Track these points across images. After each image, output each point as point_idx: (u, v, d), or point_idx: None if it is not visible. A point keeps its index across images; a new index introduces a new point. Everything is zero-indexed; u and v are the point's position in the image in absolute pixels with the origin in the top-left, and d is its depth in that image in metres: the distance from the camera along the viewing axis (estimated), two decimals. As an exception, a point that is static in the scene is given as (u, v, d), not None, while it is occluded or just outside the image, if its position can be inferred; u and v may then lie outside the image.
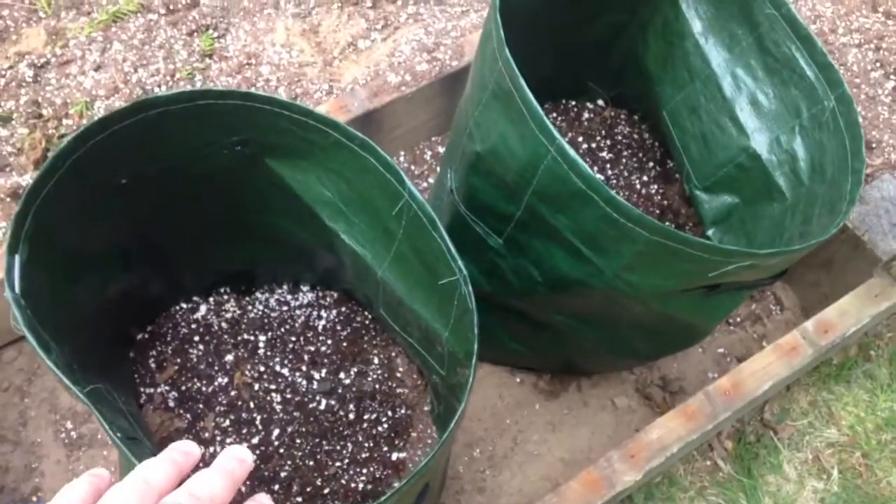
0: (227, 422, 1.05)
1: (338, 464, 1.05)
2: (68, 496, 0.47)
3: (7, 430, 1.27)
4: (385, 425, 1.09)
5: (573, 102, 1.45)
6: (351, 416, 1.08)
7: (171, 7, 1.57)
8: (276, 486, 1.02)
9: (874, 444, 1.45)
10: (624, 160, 1.41)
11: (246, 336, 1.12)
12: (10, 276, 0.73)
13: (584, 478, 1.15)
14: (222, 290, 1.15)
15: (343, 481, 1.04)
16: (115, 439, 0.70)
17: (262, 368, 1.10)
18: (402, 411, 1.10)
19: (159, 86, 1.48)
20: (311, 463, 1.05)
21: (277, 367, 1.11)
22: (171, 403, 1.06)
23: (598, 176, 1.19)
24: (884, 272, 1.36)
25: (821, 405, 1.49)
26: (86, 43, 1.52)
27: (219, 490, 0.48)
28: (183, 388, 1.07)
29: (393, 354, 1.14)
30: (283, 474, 1.03)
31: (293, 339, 1.13)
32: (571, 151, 0.84)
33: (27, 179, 1.37)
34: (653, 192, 1.38)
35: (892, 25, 1.73)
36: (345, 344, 1.13)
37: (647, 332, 1.14)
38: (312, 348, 1.13)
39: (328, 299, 1.17)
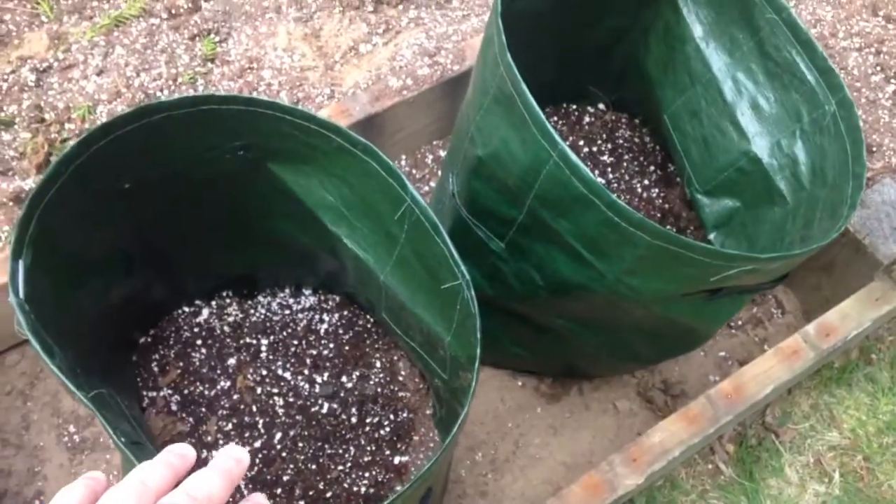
0: (230, 425, 1.06)
1: (340, 467, 1.06)
2: (65, 499, 0.47)
3: (10, 433, 1.27)
4: (387, 429, 1.09)
5: (574, 106, 1.45)
6: (353, 419, 1.08)
7: (173, 11, 1.58)
8: (279, 490, 1.02)
9: (875, 448, 1.45)
10: (625, 164, 1.41)
11: (248, 340, 1.13)
12: (14, 281, 0.73)
13: (586, 481, 1.15)
14: (224, 294, 1.16)
15: (345, 485, 1.04)
16: (119, 444, 0.70)
17: (264, 372, 1.10)
18: (405, 415, 1.10)
19: (161, 90, 1.49)
20: (314, 467, 1.05)
21: (280, 371, 1.11)
22: (174, 407, 1.06)
23: (599, 180, 1.19)
24: (885, 276, 1.36)
25: (822, 408, 1.49)
26: (88, 47, 1.52)
27: (216, 489, 0.48)
28: (185, 391, 1.07)
29: (395, 358, 1.14)
30: (285, 478, 1.03)
31: (295, 342, 1.13)
32: (573, 156, 0.84)
33: (29, 184, 1.37)
34: (654, 195, 1.38)
35: (892, 29, 1.73)
36: (347, 348, 1.14)
37: (648, 335, 1.14)
38: (315, 352, 1.13)
39: (330, 303, 1.17)
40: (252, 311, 1.15)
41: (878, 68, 1.67)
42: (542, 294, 1.05)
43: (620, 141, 1.43)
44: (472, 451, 1.34)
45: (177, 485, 0.48)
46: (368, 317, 1.16)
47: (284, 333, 1.14)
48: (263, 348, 1.12)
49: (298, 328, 1.15)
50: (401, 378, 1.13)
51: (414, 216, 0.86)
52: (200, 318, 1.13)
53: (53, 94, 1.47)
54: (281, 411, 1.08)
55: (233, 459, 0.52)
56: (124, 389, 1.00)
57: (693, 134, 1.27)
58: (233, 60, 1.54)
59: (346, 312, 1.16)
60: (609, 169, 1.40)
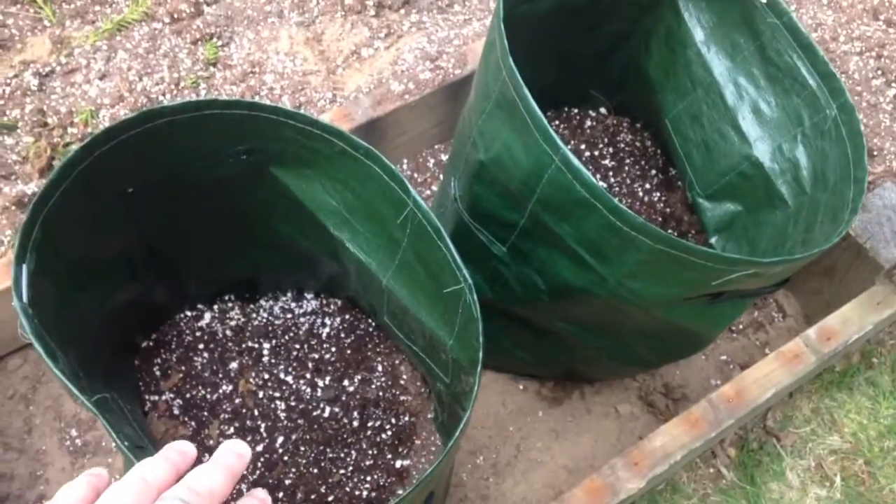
0: (232, 429, 1.06)
1: (342, 471, 1.06)
2: (67, 496, 0.47)
3: (12, 437, 1.27)
4: (389, 433, 1.09)
5: (576, 110, 1.46)
6: (355, 423, 1.09)
7: (176, 16, 1.58)
8: (280, 494, 1.02)
9: (877, 452, 1.45)
10: (626, 168, 1.41)
11: (250, 344, 1.13)
12: (17, 286, 0.73)
13: (588, 485, 1.15)
14: (227, 298, 1.16)
15: (347, 489, 1.05)
16: (123, 447, 0.71)
17: (266, 376, 1.11)
18: (406, 419, 1.11)
19: (164, 94, 1.49)
20: (316, 470, 1.05)
21: (282, 375, 1.11)
22: (176, 411, 1.06)
23: (601, 184, 1.19)
24: (886, 280, 1.37)
25: (823, 412, 1.49)
26: (91, 52, 1.53)
27: (217, 484, 0.48)
28: (187, 395, 1.08)
29: (397, 362, 1.14)
30: (287, 482, 1.03)
31: (297, 346, 1.14)
32: (575, 161, 0.85)
33: (32, 188, 1.37)
34: (655, 199, 1.38)
35: (893, 33, 1.74)
36: (349, 351, 1.14)
37: (650, 339, 1.14)
38: (316, 356, 1.13)
39: (332, 307, 1.17)
40: (254, 315, 1.16)
41: (879, 72, 1.67)
42: (543, 298, 1.05)
43: (622, 145, 1.43)
44: (473, 455, 1.35)
45: (178, 481, 0.49)
46: (370, 321, 1.16)
47: (286, 337, 1.14)
48: (265, 352, 1.12)
49: (300, 332, 1.15)
50: (402, 382, 1.13)
51: (416, 220, 0.86)
52: (202, 322, 1.14)
53: (56, 98, 1.47)
54: (283, 415, 1.08)
55: (234, 454, 0.52)
56: (126, 393, 1.00)
57: (694, 138, 1.27)
58: (235, 65, 1.55)
59: (347, 316, 1.17)
60: (610, 173, 1.40)
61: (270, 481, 1.03)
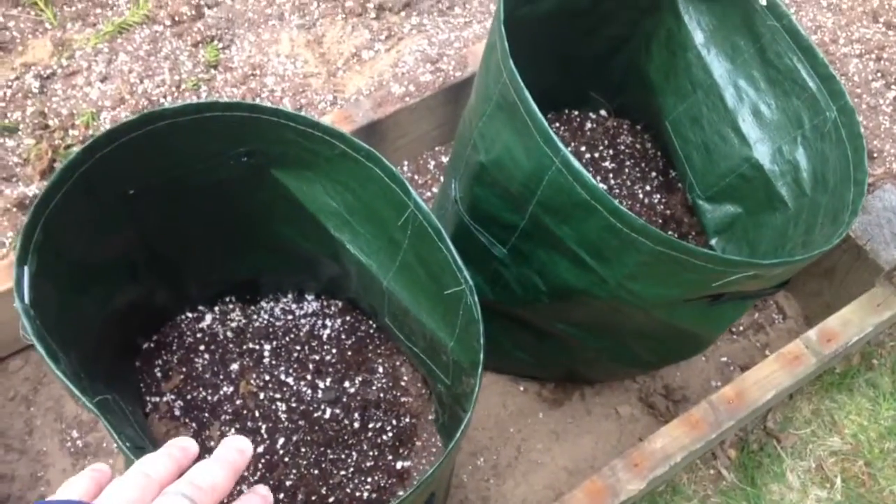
0: (233, 431, 1.06)
1: (342, 472, 1.06)
2: (70, 490, 0.47)
3: (13, 438, 1.27)
4: (389, 434, 1.09)
5: (576, 112, 1.46)
6: (355, 424, 1.09)
7: (177, 19, 1.58)
8: (281, 495, 1.03)
9: (877, 453, 1.45)
10: (626, 170, 1.41)
11: (251, 345, 1.13)
12: (19, 287, 0.73)
13: (588, 487, 1.15)
14: (227, 300, 1.16)
15: (348, 490, 1.05)
16: (124, 448, 0.71)
17: (267, 377, 1.11)
18: (407, 420, 1.11)
19: (165, 97, 1.49)
20: (316, 472, 1.05)
21: (282, 376, 1.11)
22: (177, 412, 1.06)
23: (601, 186, 1.20)
24: (886, 281, 1.37)
25: (824, 414, 1.49)
26: (92, 54, 1.53)
27: (220, 480, 0.48)
28: (188, 397, 1.08)
29: (397, 363, 1.14)
30: (287, 483, 1.04)
31: (298, 348, 1.14)
32: (576, 163, 0.85)
33: (33, 190, 1.37)
34: (655, 201, 1.39)
35: (892, 36, 1.74)
36: (349, 353, 1.14)
37: (650, 341, 1.14)
38: (317, 357, 1.13)
39: (333, 308, 1.17)
40: (255, 316, 1.16)
41: (879, 74, 1.67)
42: (544, 299, 1.05)
43: (622, 147, 1.44)
44: (474, 457, 1.35)
45: (180, 476, 0.49)
46: (371, 322, 1.17)
47: (287, 339, 1.14)
48: (266, 354, 1.13)
49: (301, 333, 1.15)
50: (403, 383, 1.13)
51: (417, 222, 0.87)
52: (203, 324, 1.14)
53: (57, 100, 1.47)
54: (283, 416, 1.08)
55: (236, 450, 0.52)
56: (127, 395, 1.00)
57: (694, 140, 1.27)
58: (236, 67, 1.55)
59: (348, 318, 1.17)
60: (611, 175, 1.41)
61: (271, 482, 1.03)
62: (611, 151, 1.43)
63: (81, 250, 0.86)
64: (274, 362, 1.12)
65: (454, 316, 0.87)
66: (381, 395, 1.11)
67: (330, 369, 1.12)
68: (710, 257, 0.86)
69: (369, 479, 1.06)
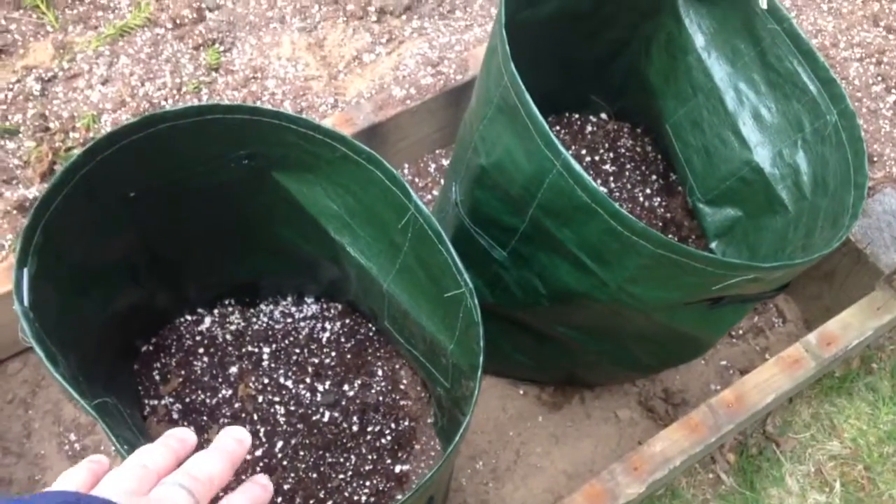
0: (232, 434, 1.05)
1: (341, 476, 1.06)
2: (67, 481, 0.47)
3: (11, 441, 1.27)
4: (388, 437, 1.09)
5: (576, 115, 1.46)
6: (354, 428, 1.09)
7: (178, 22, 1.58)
8: (280, 499, 1.02)
9: (876, 457, 1.45)
10: (627, 173, 1.41)
11: (250, 348, 1.13)
12: (18, 289, 0.73)
13: (587, 490, 1.15)
14: (227, 303, 1.16)
15: (346, 494, 1.05)
16: (122, 451, 0.71)
17: (266, 380, 1.11)
18: (406, 423, 1.10)
19: (166, 99, 1.49)
20: (315, 475, 1.05)
21: (281, 380, 1.11)
22: (175, 416, 1.06)
23: (602, 189, 1.20)
24: (886, 285, 1.37)
25: (823, 418, 1.49)
26: (93, 57, 1.53)
27: (217, 470, 0.48)
28: (187, 400, 1.08)
29: (397, 366, 1.14)
30: (286, 486, 1.03)
31: (297, 351, 1.14)
32: (577, 166, 0.85)
33: (33, 192, 1.37)
34: (656, 204, 1.39)
35: (893, 40, 1.74)
36: (349, 356, 1.14)
37: (650, 344, 1.14)
38: (316, 360, 1.13)
39: (332, 311, 1.17)
40: (254, 319, 1.16)
41: (879, 78, 1.67)
42: (544, 302, 1.05)
43: (622, 150, 1.44)
44: (473, 460, 1.34)
45: (177, 467, 0.48)
46: (370, 325, 1.17)
47: (286, 342, 1.14)
48: (265, 357, 1.12)
49: (300, 336, 1.15)
50: (402, 387, 1.13)
51: (417, 225, 0.87)
52: (202, 327, 1.14)
53: (58, 103, 1.48)
54: (282, 420, 1.08)
55: (234, 440, 0.51)
56: (126, 397, 1.00)
57: (695, 143, 1.27)
58: (237, 70, 1.55)
59: (348, 321, 1.17)
60: (611, 178, 1.41)
61: (270, 486, 1.03)
62: (611, 155, 1.43)
63: (81, 253, 0.86)
64: (273, 365, 1.12)
65: (454, 319, 0.87)
66: (381, 398, 1.11)
67: (329, 372, 1.12)
68: (710, 260, 0.86)
69: (368, 483, 1.06)
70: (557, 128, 1.45)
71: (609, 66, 1.35)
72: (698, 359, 1.45)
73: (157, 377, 1.09)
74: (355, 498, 1.05)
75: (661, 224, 1.37)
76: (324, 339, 1.15)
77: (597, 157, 1.42)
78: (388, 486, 1.06)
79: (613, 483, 1.16)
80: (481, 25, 1.66)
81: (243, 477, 1.02)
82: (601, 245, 0.90)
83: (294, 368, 1.12)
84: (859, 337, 1.32)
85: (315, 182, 0.95)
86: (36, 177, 1.40)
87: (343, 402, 1.10)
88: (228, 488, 0.51)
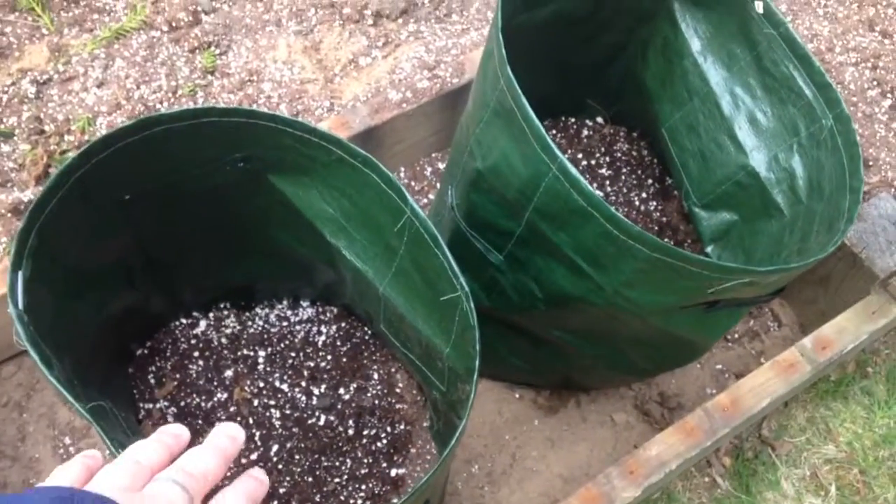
0: (227, 437, 1.05)
1: (337, 480, 1.05)
2: (61, 476, 0.47)
3: (5, 445, 1.27)
4: (384, 441, 1.09)
5: (573, 119, 1.46)
6: (350, 431, 1.08)
7: (174, 24, 1.58)
8: (275, 503, 1.02)
9: (872, 461, 1.45)
10: (623, 177, 1.41)
11: (245, 351, 1.13)
12: (13, 292, 0.73)
13: (583, 494, 1.15)
14: (222, 306, 1.16)
15: (342, 497, 1.04)
16: (118, 456, 0.70)
17: (261, 384, 1.10)
18: (402, 427, 1.10)
19: (161, 102, 1.49)
20: (310, 479, 1.05)
21: (277, 383, 1.11)
22: (170, 419, 1.06)
23: (598, 193, 1.20)
24: (881, 289, 1.37)
25: (818, 422, 1.49)
26: (88, 59, 1.53)
27: (211, 467, 0.48)
28: (182, 403, 1.07)
29: (393, 370, 1.14)
30: (281, 490, 1.03)
31: (293, 354, 1.13)
32: (573, 170, 0.85)
33: (28, 195, 1.37)
34: (652, 208, 1.39)
35: (888, 44, 1.75)
36: (344, 359, 1.14)
37: (645, 348, 1.14)
38: (312, 364, 1.13)
39: (328, 315, 1.17)
40: (250, 322, 1.15)
41: (875, 83, 1.68)
42: (540, 306, 1.05)
43: (619, 154, 1.44)
44: (468, 464, 1.34)
45: (171, 463, 0.48)
46: (366, 329, 1.16)
47: (282, 345, 1.14)
48: (261, 360, 1.12)
49: (296, 340, 1.15)
50: (398, 390, 1.13)
51: (413, 228, 0.86)
52: (198, 330, 1.13)
53: (53, 106, 1.47)
54: (278, 423, 1.08)
55: (227, 436, 0.51)
56: (121, 401, 1.00)
57: (691, 147, 1.27)
58: (233, 73, 1.55)
59: (343, 324, 1.16)
60: (607, 182, 1.41)
61: (266, 490, 1.02)
62: (607, 159, 1.43)
63: (76, 255, 0.86)
64: (268, 369, 1.12)
65: (450, 322, 0.87)
66: (376, 401, 1.11)
67: (325, 376, 1.12)
68: (706, 264, 0.86)
69: (363, 487, 1.05)
70: (554, 132, 1.45)
71: (605, 70, 1.35)
72: (694, 363, 1.45)
73: (153, 381, 1.08)
74: (351, 501, 1.04)
75: (656, 228, 1.37)
76: (319, 343, 1.15)
77: (593, 161, 1.42)
78: (383, 489, 1.06)
79: (609, 487, 1.16)
80: (478, 29, 1.66)
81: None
82: (597, 249, 0.90)
83: (290, 372, 1.12)
84: (854, 341, 1.33)
85: (311, 185, 0.95)
86: (31, 180, 1.39)
87: (339, 406, 1.10)
88: (219, 487, 0.51)
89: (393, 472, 1.07)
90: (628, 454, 1.20)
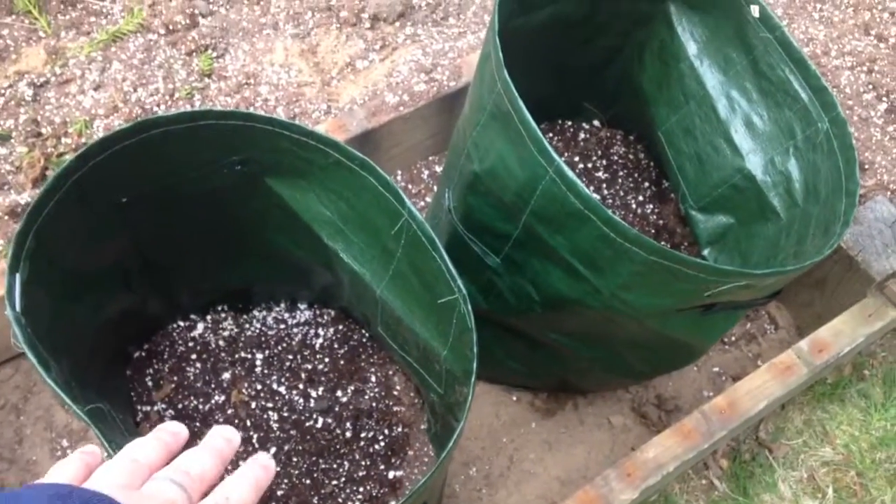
0: (225, 440, 1.05)
1: (334, 482, 1.05)
2: (59, 473, 0.46)
3: (3, 447, 1.26)
4: (382, 443, 1.09)
5: (569, 123, 1.46)
6: (348, 434, 1.08)
7: (171, 27, 1.58)
8: (273, 505, 1.02)
9: (868, 463, 1.45)
10: (619, 180, 1.42)
11: (243, 354, 1.13)
12: (10, 295, 0.73)
13: (581, 497, 1.15)
14: (220, 309, 1.16)
15: (340, 500, 1.04)
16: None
17: (259, 386, 1.10)
18: (399, 429, 1.10)
19: (158, 105, 1.49)
20: (308, 481, 1.05)
21: (274, 386, 1.11)
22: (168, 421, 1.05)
23: (594, 196, 1.20)
24: (877, 292, 1.37)
25: (815, 424, 1.49)
26: (85, 62, 1.53)
27: (208, 467, 0.48)
28: (180, 406, 1.07)
29: (390, 373, 1.14)
30: (279, 493, 1.03)
31: (290, 357, 1.13)
32: (570, 173, 0.85)
33: (25, 198, 1.37)
34: (648, 211, 1.39)
35: (883, 48, 1.75)
36: (342, 362, 1.14)
37: (643, 350, 1.14)
38: (309, 366, 1.13)
39: (326, 317, 1.17)
40: (247, 325, 1.16)
41: (870, 87, 1.68)
42: (537, 309, 1.05)
43: (615, 157, 1.44)
44: (466, 466, 1.34)
45: (169, 461, 0.48)
46: (364, 331, 1.16)
47: (279, 348, 1.14)
48: (258, 363, 1.12)
49: (293, 342, 1.15)
50: (396, 393, 1.13)
51: (411, 231, 0.87)
52: (195, 333, 1.13)
53: (50, 108, 1.47)
54: (275, 426, 1.08)
55: (223, 438, 0.51)
56: (118, 403, 1.00)
57: (687, 151, 1.28)
58: (230, 76, 1.55)
59: (341, 327, 1.17)
60: (604, 185, 1.41)
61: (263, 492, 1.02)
62: (604, 162, 1.43)
63: (74, 258, 0.86)
64: (266, 371, 1.12)
65: (447, 325, 0.87)
66: (374, 404, 1.11)
67: (322, 378, 1.12)
68: (702, 267, 0.86)
69: (361, 489, 1.05)
70: (550, 135, 1.45)
71: (602, 74, 1.35)
72: (691, 365, 1.45)
73: (150, 383, 1.08)
74: (348, 504, 1.05)
75: (653, 231, 1.37)
76: (317, 345, 1.15)
77: (589, 165, 1.43)
78: (381, 492, 1.06)
79: (607, 489, 1.16)
80: (474, 32, 1.66)
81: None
82: (594, 252, 0.90)
83: (287, 374, 1.12)
84: (851, 344, 1.33)
85: (308, 188, 0.95)
86: (28, 182, 1.39)
87: (336, 408, 1.10)
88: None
89: (390, 475, 1.07)
90: (625, 457, 1.20)
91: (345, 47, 1.61)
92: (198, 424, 1.06)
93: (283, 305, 1.18)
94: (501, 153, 0.94)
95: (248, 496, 0.48)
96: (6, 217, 1.36)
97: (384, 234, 0.92)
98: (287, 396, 1.10)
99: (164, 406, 1.07)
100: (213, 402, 1.08)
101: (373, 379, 1.13)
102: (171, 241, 0.99)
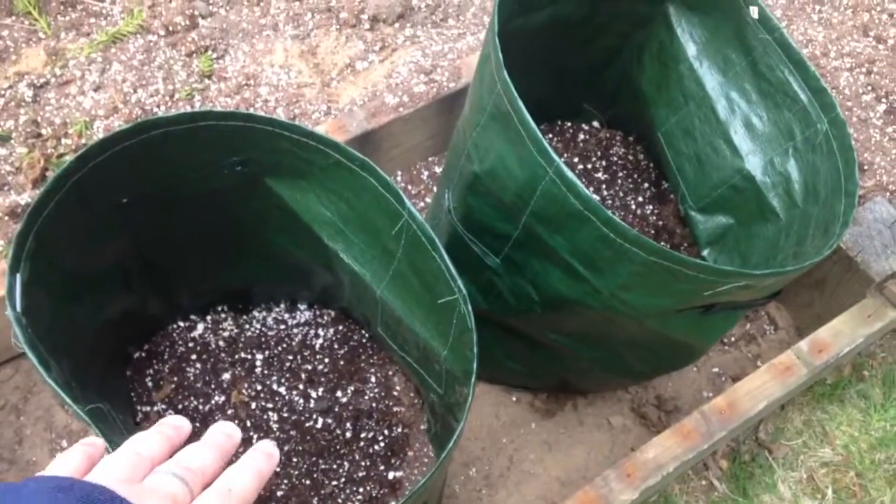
0: (225, 441, 1.05)
1: (334, 483, 1.05)
2: (61, 465, 0.46)
3: (3, 448, 1.26)
4: (382, 444, 1.09)
5: (569, 123, 1.46)
6: (347, 434, 1.08)
7: (171, 28, 1.58)
8: (273, 506, 1.02)
9: (868, 464, 1.45)
10: (619, 181, 1.42)
11: (243, 355, 1.13)
12: (11, 295, 0.73)
13: (581, 497, 1.15)
14: (220, 309, 1.16)
15: (339, 500, 1.04)
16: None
17: (259, 387, 1.10)
18: (399, 430, 1.10)
19: (158, 106, 1.49)
20: (308, 482, 1.05)
21: (274, 386, 1.11)
22: (169, 422, 1.06)
23: (594, 196, 1.20)
24: (877, 293, 1.37)
25: (815, 425, 1.49)
26: (85, 63, 1.53)
27: (209, 462, 0.48)
28: (180, 406, 1.07)
29: (390, 373, 1.14)
30: (279, 493, 1.03)
31: (290, 357, 1.13)
32: (570, 173, 0.85)
33: (25, 199, 1.37)
34: (648, 212, 1.39)
35: (882, 49, 1.75)
36: (342, 362, 1.14)
37: (642, 351, 1.14)
38: (309, 367, 1.13)
39: (325, 318, 1.17)
40: (247, 325, 1.16)
41: (869, 88, 1.68)
42: (537, 309, 1.05)
43: (615, 158, 1.44)
44: (466, 467, 1.34)
45: (171, 455, 0.48)
46: (364, 332, 1.17)
47: (279, 348, 1.14)
48: (258, 363, 1.12)
49: (293, 343, 1.15)
50: (395, 393, 1.13)
51: (411, 231, 0.87)
52: (195, 333, 1.13)
53: (50, 109, 1.47)
54: (275, 426, 1.08)
55: (224, 434, 0.51)
56: (118, 404, 1.00)
57: (687, 151, 1.28)
58: (230, 77, 1.55)
59: (341, 327, 1.17)
60: (603, 186, 1.41)
61: (262, 492, 1.03)
62: (603, 162, 1.43)
63: (74, 258, 0.86)
64: (266, 372, 1.12)
65: (447, 325, 0.87)
66: (374, 404, 1.11)
67: (322, 379, 1.12)
68: (702, 267, 0.86)
69: (361, 490, 1.06)
70: (550, 136, 1.45)
71: (601, 74, 1.35)
72: (690, 366, 1.45)
73: (150, 383, 1.08)
74: (348, 505, 1.05)
75: (653, 232, 1.37)
76: (317, 346, 1.15)
77: (589, 165, 1.43)
78: (381, 492, 1.06)
79: (607, 489, 1.16)
80: (474, 34, 1.66)
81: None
82: (594, 252, 0.91)
83: (287, 375, 1.12)
84: (850, 344, 1.33)
85: (308, 189, 0.95)
86: (28, 183, 1.39)
87: (336, 409, 1.10)
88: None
89: (390, 475, 1.07)
90: (625, 457, 1.20)
91: (344, 48, 1.61)
92: (198, 425, 1.06)
93: (283, 306, 1.18)
94: (501, 154, 0.94)
95: (251, 485, 0.49)
96: (6, 218, 1.36)
97: (384, 234, 0.92)
98: (287, 397, 1.10)
99: (164, 406, 1.07)
100: (213, 402, 1.08)
101: (373, 379, 1.13)
102: (172, 242, 0.99)
